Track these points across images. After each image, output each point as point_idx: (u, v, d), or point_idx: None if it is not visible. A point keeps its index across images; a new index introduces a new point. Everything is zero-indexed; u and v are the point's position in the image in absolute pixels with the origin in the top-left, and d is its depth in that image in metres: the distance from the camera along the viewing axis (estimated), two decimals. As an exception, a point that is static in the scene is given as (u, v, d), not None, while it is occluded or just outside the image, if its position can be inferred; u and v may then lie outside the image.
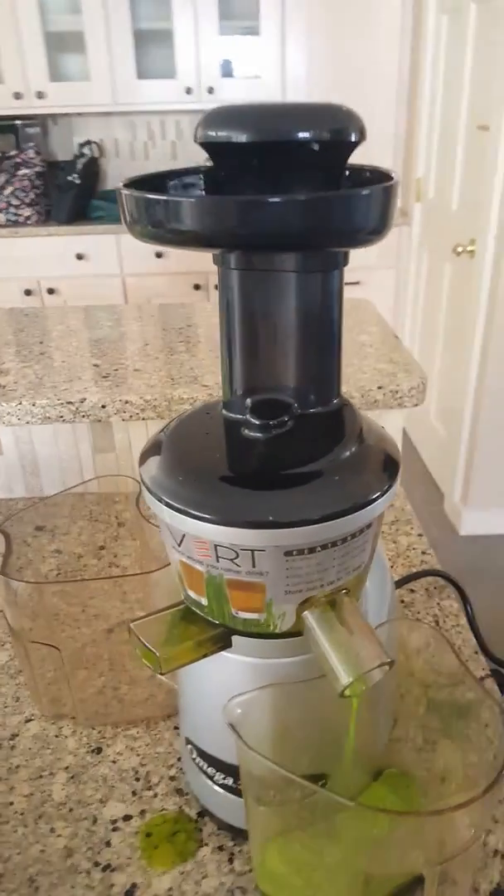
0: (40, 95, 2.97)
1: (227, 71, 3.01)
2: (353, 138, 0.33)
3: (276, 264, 0.37)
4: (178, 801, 0.54)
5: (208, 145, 0.35)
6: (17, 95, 2.95)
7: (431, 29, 2.59)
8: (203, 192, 0.41)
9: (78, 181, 3.00)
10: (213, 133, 0.34)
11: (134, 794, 0.55)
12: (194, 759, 0.49)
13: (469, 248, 2.20)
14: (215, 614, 0.40)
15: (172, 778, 0.56)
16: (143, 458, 0.41)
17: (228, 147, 0.34)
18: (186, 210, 0.31)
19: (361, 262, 2.94)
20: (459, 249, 2.23)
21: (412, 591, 0.75)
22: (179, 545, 0.39)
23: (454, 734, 0.50)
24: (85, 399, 0.87)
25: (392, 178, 0.33)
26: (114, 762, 0.57)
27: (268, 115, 0.33)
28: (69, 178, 2.98)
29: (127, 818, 0.53)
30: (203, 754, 0.47)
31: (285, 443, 0.38)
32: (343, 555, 0.37)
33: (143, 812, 0.53)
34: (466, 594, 0.75)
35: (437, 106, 2.59)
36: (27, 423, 0.87)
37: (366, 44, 2.98)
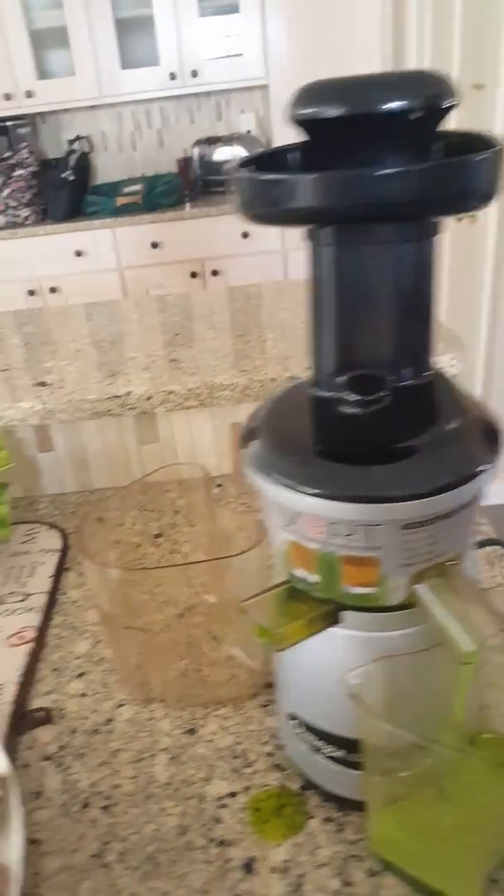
0: (29, 94, 2.95)
1: (209, 53, 2.99)
2: (447, 104, 0.34)
3: (371, 237, 0.38)
4: (279, 777, 0.55)
5: (304, 122, 0.36)
6: (8, 96, 2.94)
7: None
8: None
9: (72, 178, 2.99)
10: (309, 110, 0.35)
11: (234, 771, 0.56)
12: (299, 734, 0.50)
13: (470, 214, 2.19)
14: (326, 591, 0.41)
15: (269, 754, 0.57)
16: (245, 440, 0.42)
17: (325, 123, 0.34)
18: (309, 187, 0.32)
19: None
20: (460, 216, 2.22)
21: (475, 556, 0.76)
22: (292, 524, 0.40)
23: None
24: (130, 392, 0.88)
25: (498, 143, 0.33)
26: (209, 742, 0.59)
27: (362, 87, 0.34)
28: (63, 175, 2.97)
29: (232, 795, 0.54)
30: (311, 728, 0.49)
31: (387, 417, 0.39)
32: (455, 525, 0.38)
33: (247, 788, 0.55)
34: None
35: (427, 66, 2.56)
36: (77, 418, 0.88)
37: (347, 13, 2.95)
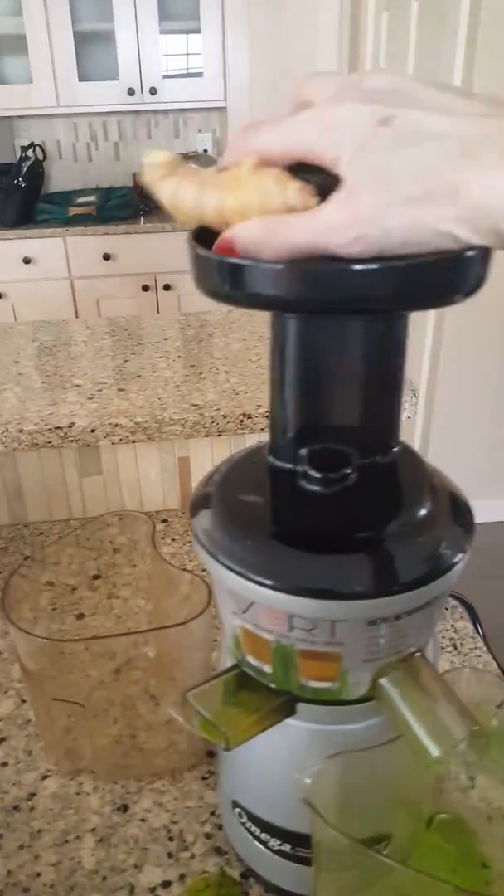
0: (-19, 98, 2.87)
1: (168, 71, 2.97)
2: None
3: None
4: (219, 861, 0.51)
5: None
6: (-42, 98, 2.85)
7: (371, 26, 2.59)
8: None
9: (23, 185, 2.91)
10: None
11: (170, 855, 0.52)
12: (243, 823, 0.46)
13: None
14: (280, 682, 0.38)
15: (208, 836, 0.53)
16: (195, 510, 0.38)
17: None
18: (270, 277, 0.28)
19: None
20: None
21: (427, 614, 0.73)
22: (244, 612, 0.36)
23: (491, 767, 0.49)
24: (74, 423, 0.83)
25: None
26: (143, 820, 0.54)
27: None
28: (14, 181, 2.89)
29: (166, 884, 0.50)
30: (255, 819, 0.45)
31: (352, 498, 0.36)
32: (424, 619, 0.35)
33: (182, 876, 0.50)
34: (478, 614, 0.74)
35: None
36: (13, 449, 0.83)
37: (305, 41, 2.96)
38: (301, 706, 0.39)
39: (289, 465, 0.39)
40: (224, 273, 0.30)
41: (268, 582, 0.33)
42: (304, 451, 0.38)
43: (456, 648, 0.70)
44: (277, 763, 0.41)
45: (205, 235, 0.31)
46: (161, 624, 0.70)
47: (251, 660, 0.38)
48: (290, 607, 0.33)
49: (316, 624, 0.33)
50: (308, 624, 0.33)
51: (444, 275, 0.28)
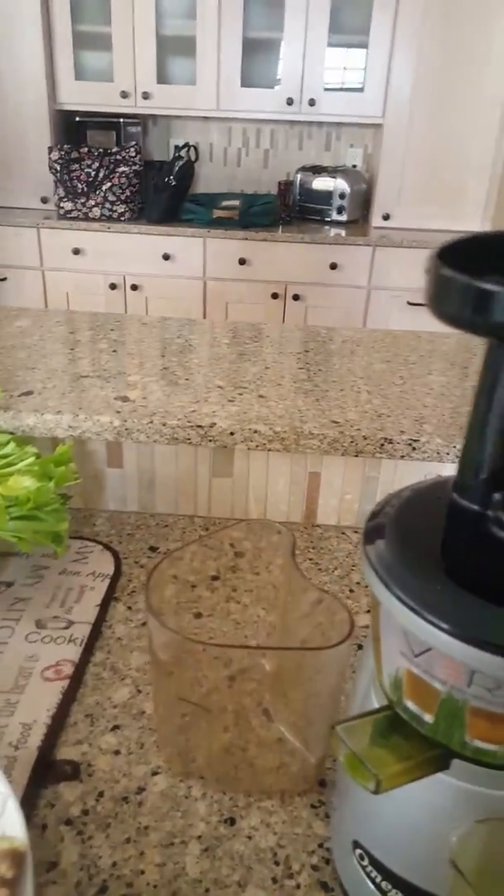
0: (146, 96, 2.98)
1: (328, 84, 2.98)
2: None
3: None
4: (323, 897, 0.49)
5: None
6: (124, 94, 2.97)
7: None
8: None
9: (173, 183, 3.00)
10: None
11: (274, 880, 0.50)
12: (364, 866, 0.44)
13: None
14: (440, 735, 0.35)
15: (315, 868, 0.51)
16: (370, 536, 0.37)
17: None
18: None
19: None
20: None
21: None
22: (416, 656, 0.34)
23: None
24: (214, 424, 0.84)
25: None
26: (249, 838, 0.53)
27: None
28: (166, 179, 2.98)
29: (268, 910, 0.48)
30: (379, 866, 0.43)
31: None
32: None
33: (284, 905, 0.49)
34: None
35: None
36: (154, 441, 0.84)
37: (473, 64, 2.90)
38: (456, 763, 0.36)
39: (476, 507, 0.36)
40: (475, 299, 0.28)
41: (450, 629, 0.31)
42: (498, 496, 0.35)
43: None
44: (417, 816, 0.39)
45: (449, 255, 0.29)
46: (283, 638, 0.69)
47: (411, 705, 0.36)
48: (476, 663, 0.31)
49: (500, 684, 0.31)
50: (491, 683, 0.31)
51: None
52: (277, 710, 0.64)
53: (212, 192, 3.32)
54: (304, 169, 3.25)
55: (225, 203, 3.05)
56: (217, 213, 3.00)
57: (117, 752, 0.59)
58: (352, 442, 0.84)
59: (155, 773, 0.58)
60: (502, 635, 0.31)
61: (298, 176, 3.25)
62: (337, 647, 0.48)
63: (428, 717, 0.35)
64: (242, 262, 3.01)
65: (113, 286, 3.08)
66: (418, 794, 0.38)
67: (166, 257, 3.01)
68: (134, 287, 3.07)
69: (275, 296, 3.07)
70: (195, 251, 3.01)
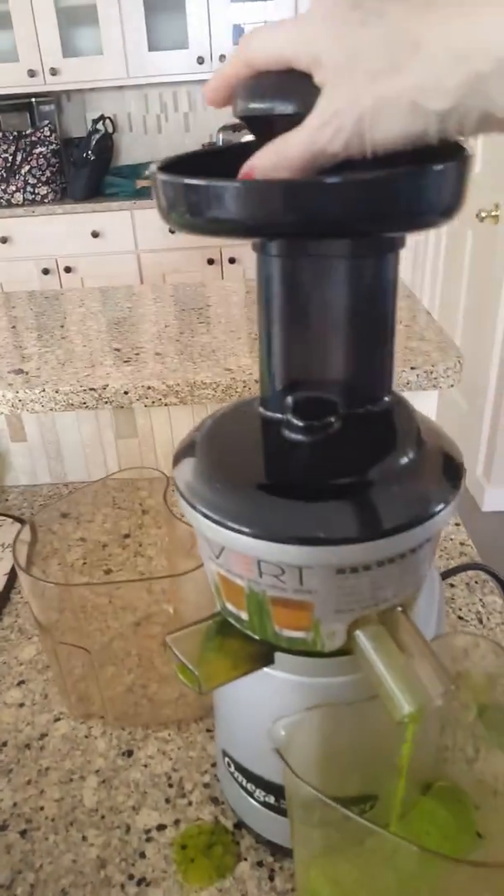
0: (54, 72, 2.91)
1: (238, 38, 2.93)
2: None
3: (324, 250, 0.33)
4: (214, 811, 0.52)
5: (249, 119, 0.32)
6: (32, 73, 2.90)
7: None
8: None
9: (92, 158, 2.95)
10: (254, 105, 0.30)
11: (167, 801, 0.53)
12: (232, 773, 0.47)
13: (493, 213, 2.12)
14: (257, 630, 0.38)
15: (207, 785, 0.54)
16: (177, 460, 0.38)
17: (271, 119, 0.30)
18: (231, 196, 0.28)
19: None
20: (483, 214, 2.15)
21: (452, 585, 0.72)
22: (218, 557, 0.36)
23: (498, 741, 0.48)
24: (107, 385, 0.85)
25: (465, 150, 0.29)
26: (145, 766, 0.55)
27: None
28: (84, 154, 2.93)
29: (161, 828, 0.51)
30: (241, 769, 0.45)
31: (333, 446, 0.35)
32: (401, 571, 0.34)
33: (177, 821, 0.51)
34: (507, 587, 0.71)
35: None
36: (50, 409, 0.85)
37: None
38: (281, 656, 0.38)
39: (277, 415, 0.38)
40: (192, 196, 0.29)
41: (234, 526, 0.33)
42: (289, 400, 0.37)
43: (481, 622, 0.68)
44: (258, 712, 0.41)
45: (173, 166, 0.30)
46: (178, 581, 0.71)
47: (230, 606, 0.38)
48: (256, 552, 0.33)
49: (283, 570, 0.33)
50: (276, 570, 0.33)
51: (414, 189, 0.27)
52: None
53: (137, 162, 3.27)
54: (225, 128, 3.21)
55: (148, 172, 3.01)
56: (140, 184, 2.96)
57: (21, 705, 0.61)
58: (244, 385, 0.85)
59: (57, 720, 0.60)
60: (280, 524, 0.32)
61: (221, 136, 3.21)
62: (192, 572, 0.50)
63: (244, 615, 0.37)
64: (173, 231, 2.98)
65: (46, 271, 3.03)
66: (257, 693, 0.41)
67: (95, 235, 2.97)
68: (67, 269, 3.03)
69: (210, 261, 3.05)
70: (124, 225, 2.97)
